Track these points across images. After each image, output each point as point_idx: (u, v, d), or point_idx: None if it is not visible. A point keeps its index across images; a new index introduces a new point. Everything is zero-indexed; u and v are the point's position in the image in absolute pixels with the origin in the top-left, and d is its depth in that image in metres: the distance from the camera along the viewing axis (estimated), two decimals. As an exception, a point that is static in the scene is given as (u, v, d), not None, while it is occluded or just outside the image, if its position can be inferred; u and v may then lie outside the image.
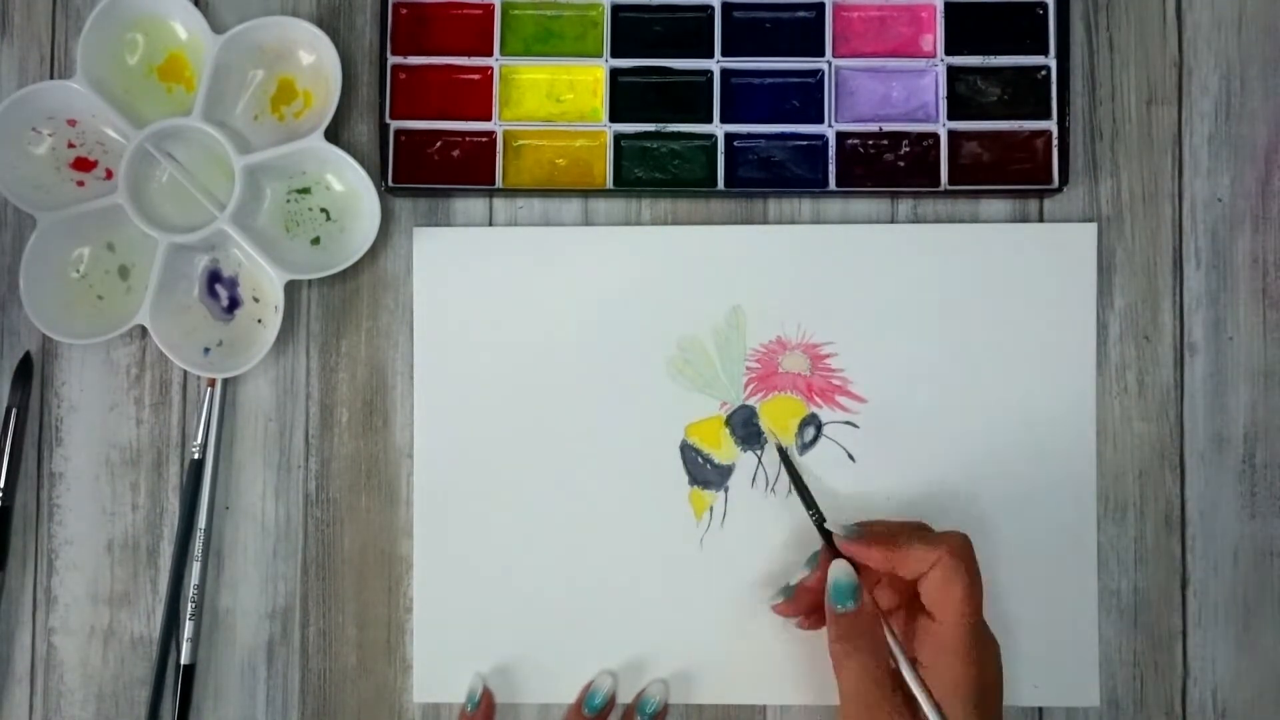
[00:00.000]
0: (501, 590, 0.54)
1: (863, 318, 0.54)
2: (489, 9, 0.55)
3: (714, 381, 0.54)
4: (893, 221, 0.55)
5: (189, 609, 0.54)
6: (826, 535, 0.50)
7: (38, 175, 0.54)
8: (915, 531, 0.49)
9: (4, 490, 0.54)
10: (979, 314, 0.54)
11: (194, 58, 0.55)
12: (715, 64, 0.54)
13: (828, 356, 0.54)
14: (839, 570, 0.48)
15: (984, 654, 0.46)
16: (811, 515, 0.51)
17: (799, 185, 0.54)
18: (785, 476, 0.53)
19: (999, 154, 0.54)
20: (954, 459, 0.53)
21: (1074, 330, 0.54)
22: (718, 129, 0.54)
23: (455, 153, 0.55)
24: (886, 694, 0.46)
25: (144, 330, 0.54)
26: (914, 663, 0.46)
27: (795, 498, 0.52)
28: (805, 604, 0.51)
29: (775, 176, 0.54)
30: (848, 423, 0.54)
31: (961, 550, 0.47)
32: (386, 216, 0.55)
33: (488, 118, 0.55)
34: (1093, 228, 0.54)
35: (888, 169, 0.54)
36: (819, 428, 0.54)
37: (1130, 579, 0.54)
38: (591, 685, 0.53)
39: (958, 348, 0.54)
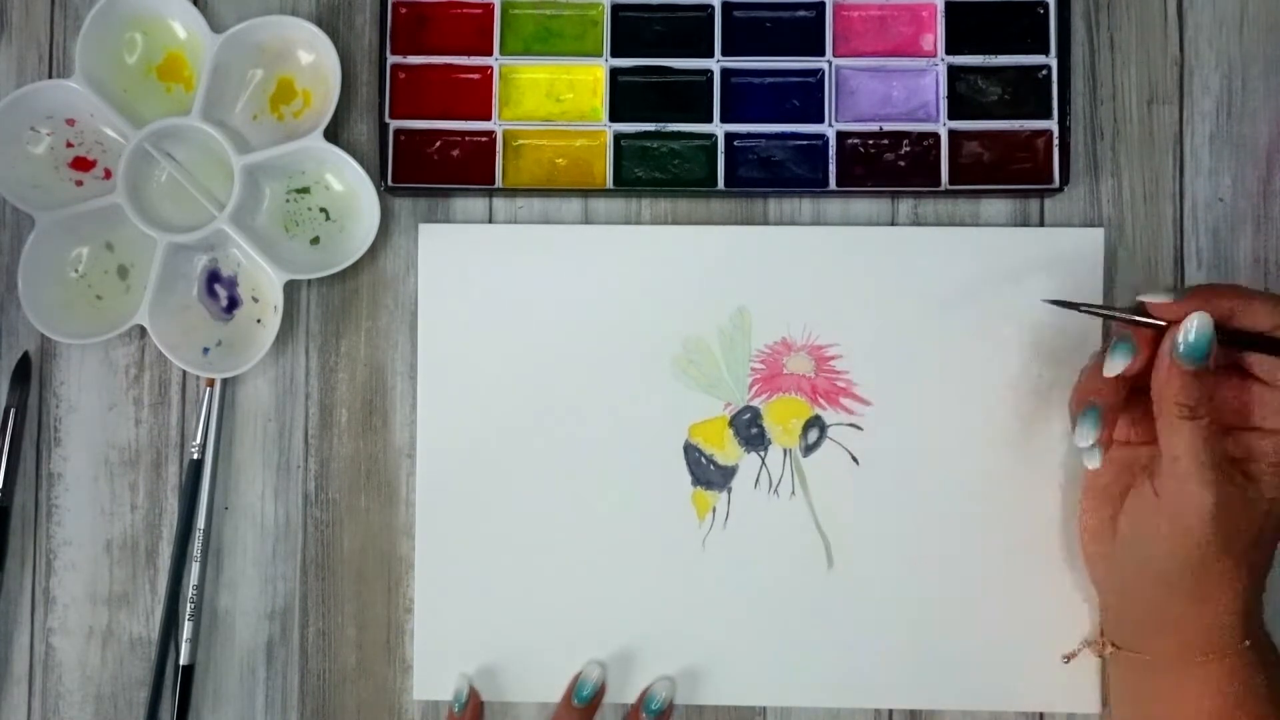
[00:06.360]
0: (502, 590, 0.54)
1: (869, 320, 0.54)
2: (489, 8, 0.55)
3: (718, 382, 0.54)
4: (893, 221, 0.55)
5: (188, 609, 0.53)
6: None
7: (36, 175, 0.54)
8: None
9: (3, 490, 0.54)
10: (985, 318, 0.54)
11: (193, 57, 0.54)
12: (715, 63, 0.54)
13: (833, 359, 0.54)
14: (1201, 322, 0.43)
15: None
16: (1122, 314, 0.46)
17: (799, 185, 0.54)
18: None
19: (1000, 153, 0.54)
20: (958, 462, 0.53)
21: (1080, 334, 0.54)
22: (718, 129, 0.54)
23: (455, 152, 0.55)
24: (1224, 458, 0.44)
25: (143, 330, 0.53)
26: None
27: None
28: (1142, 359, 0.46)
29: (775, 176, 0.54)
30: (852, 425, 0.54)
31: None
32: (386, 216, 0.54)
33: (487, 117, 0.54)
34: (1100, 233, 0.54)
35: (888, 168, 0.54)
36: (823, 430, 0.54)
37: (1131, 579, 0.54)
38: (580, 676, 0.53)
39: (963, 351, 0.53)
